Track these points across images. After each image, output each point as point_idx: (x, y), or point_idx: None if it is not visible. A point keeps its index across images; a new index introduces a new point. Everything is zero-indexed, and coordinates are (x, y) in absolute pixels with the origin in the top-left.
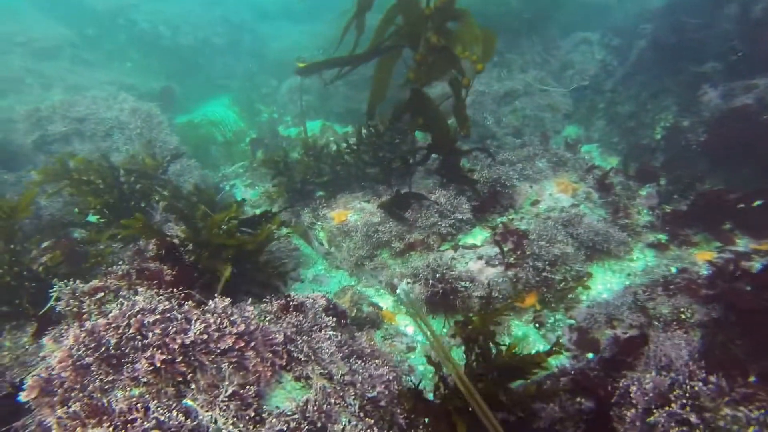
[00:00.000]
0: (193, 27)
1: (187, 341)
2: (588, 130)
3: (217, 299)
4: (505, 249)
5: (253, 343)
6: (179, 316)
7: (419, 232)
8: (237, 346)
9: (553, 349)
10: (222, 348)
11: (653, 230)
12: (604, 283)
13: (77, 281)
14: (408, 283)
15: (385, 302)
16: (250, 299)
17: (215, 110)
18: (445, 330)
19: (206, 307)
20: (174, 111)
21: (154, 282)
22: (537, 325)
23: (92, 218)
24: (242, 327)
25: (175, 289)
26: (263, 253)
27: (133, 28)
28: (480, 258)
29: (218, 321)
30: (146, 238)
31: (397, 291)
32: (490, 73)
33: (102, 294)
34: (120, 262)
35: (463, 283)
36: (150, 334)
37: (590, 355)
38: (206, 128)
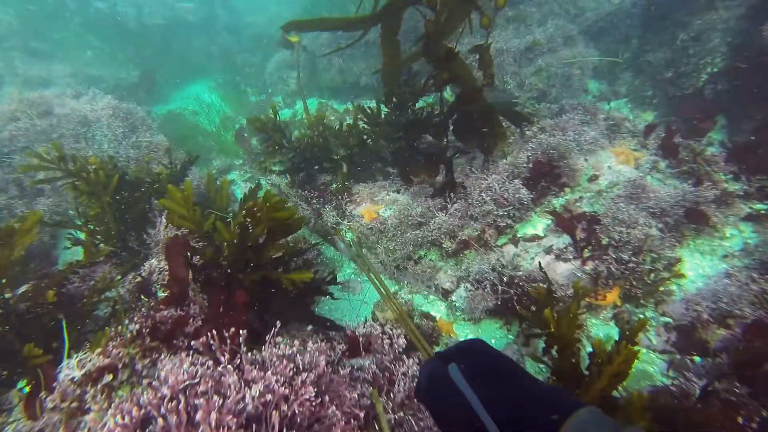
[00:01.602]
0: (159, 4)
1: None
2: (612, 84)
3: (270, 347)
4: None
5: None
6: (227, 381)
7: (472, 226)
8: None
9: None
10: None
11: (746, 198)
12: (695, 269)
13: (72, 360)
14: (469, 289)
15: (438, 310)
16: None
17: (197, 96)
18: (510, 337)
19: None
20: (151, 101)
21: (176, 337)
22: (620, 323)
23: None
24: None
25: (211, 338)
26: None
27: (87, 10)
28: (547, 252)
29: (280, 377)
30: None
31: (339, 245)
32: (505, 29)
33: (110, 377)
34: (126, 322)
35: (535, 285)
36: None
37: (697, 359)
38: (190, 118)
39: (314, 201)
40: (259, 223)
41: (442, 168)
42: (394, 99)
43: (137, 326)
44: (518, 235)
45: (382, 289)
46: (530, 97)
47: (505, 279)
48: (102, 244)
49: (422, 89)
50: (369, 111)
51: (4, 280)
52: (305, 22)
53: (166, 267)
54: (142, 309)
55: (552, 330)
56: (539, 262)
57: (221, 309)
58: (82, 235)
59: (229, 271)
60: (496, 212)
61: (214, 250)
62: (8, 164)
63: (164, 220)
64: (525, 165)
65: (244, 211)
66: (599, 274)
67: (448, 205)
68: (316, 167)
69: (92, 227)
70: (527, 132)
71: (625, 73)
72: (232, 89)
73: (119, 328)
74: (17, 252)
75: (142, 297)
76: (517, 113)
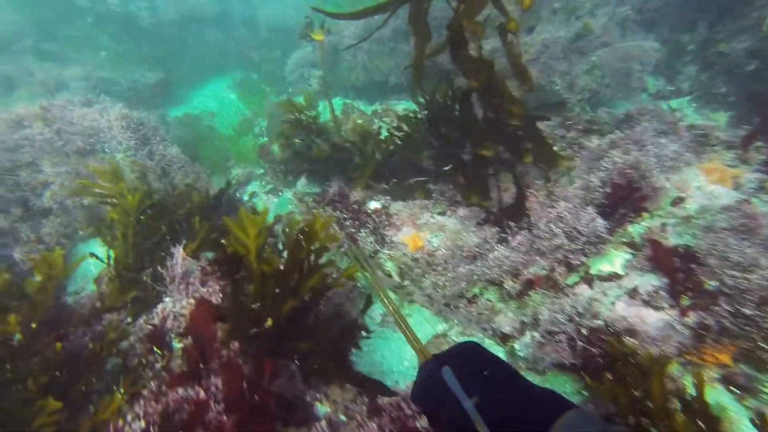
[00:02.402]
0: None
1: None
2: (672, 80)
3: None
4: (663, 279)
5: None
6: None
7: (539, 263)
8: None
9: None
10: None
11: None
12: None
13: None
14: (537, 339)
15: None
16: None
17: (213, 97)
18: (585, 393)
19: None
20: (166, 103)
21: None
22: (733, 388)
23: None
24: None
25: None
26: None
27: (99, 9)
28: (631, 295)
29: None
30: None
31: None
32: (552, 21)
33: None
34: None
35: (615, 339)
36: None
37: None
38: (207, 121)
39: (347, 222)
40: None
41: (496, 186)
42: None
43: (143, 423)
44: (592, 273)
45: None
46: (581, 99)
47: (583, 331)
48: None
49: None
50: (406, 115)
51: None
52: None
53: (182, 311)
54: (152, 386)
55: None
56: (619, 308)
57: (249, 385)
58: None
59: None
60: (567, 247)
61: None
62: (14, 182)
63: (181, 252)
64: (600, 189)
65: (295, 237)
66: (707, 329)
67: (509, 237)
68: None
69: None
70: (597, 144)
71: (688, 67)
72: (250, 88)
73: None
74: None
75: (155, 349)
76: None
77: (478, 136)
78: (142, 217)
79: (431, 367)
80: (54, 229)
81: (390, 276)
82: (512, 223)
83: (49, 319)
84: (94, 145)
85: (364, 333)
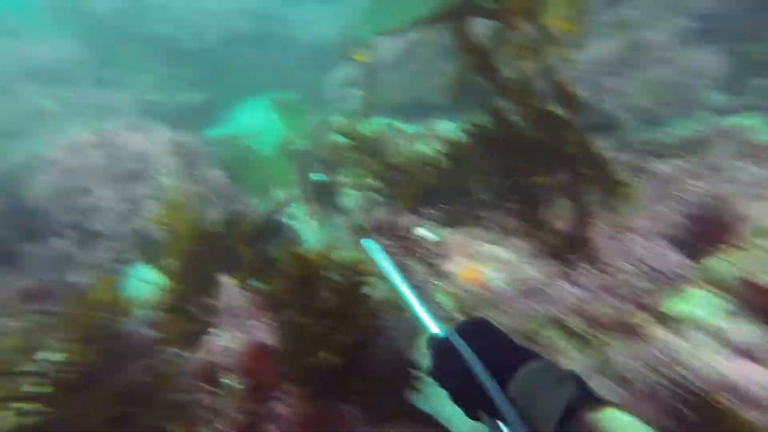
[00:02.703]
0: (215, 22)
1: None
2: (740, 94)
3: None
4: (762, 324)
5: None
6: None
7: (609, 302)
8: None
9: None
10: None
11: None
12: None
13: None
14: (608, 387)
15: None
16: None
17: (252, 117)
18: None
19: None
20: (208, 124)
21: None
22: None
23: None
24: None
25: None
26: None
27: (146, 33)
28: (725, 344)
29: None
30: None
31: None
32: (603, 34)
33: None
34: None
35: (718, 397)
36: None
37: None
38: (247, 141)
39: (394, 250)
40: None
41: (553, 215)
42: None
43: None
44: (669, 314)
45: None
46: (636, 118)
47: (665, 382)
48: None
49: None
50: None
51: None
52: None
53: (233, 346)
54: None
55: None
56: (710, 358)
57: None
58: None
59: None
60: (638, 284)
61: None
62: (70, 207)
63: (230, 282)
64: (673, 220)
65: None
66: None
67: (571, 270)
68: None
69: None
70: (662, 168)
71: (757, 80)
72: (289, 108)
73: None
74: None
75: (207, 386)
76: None
77: (531, 161)
78: (193, 247)
79: (439, 338)
80: (105, 253)
81: (444, 309)
82: (573, 256)
83: (106, 349)
84: (143, 170)
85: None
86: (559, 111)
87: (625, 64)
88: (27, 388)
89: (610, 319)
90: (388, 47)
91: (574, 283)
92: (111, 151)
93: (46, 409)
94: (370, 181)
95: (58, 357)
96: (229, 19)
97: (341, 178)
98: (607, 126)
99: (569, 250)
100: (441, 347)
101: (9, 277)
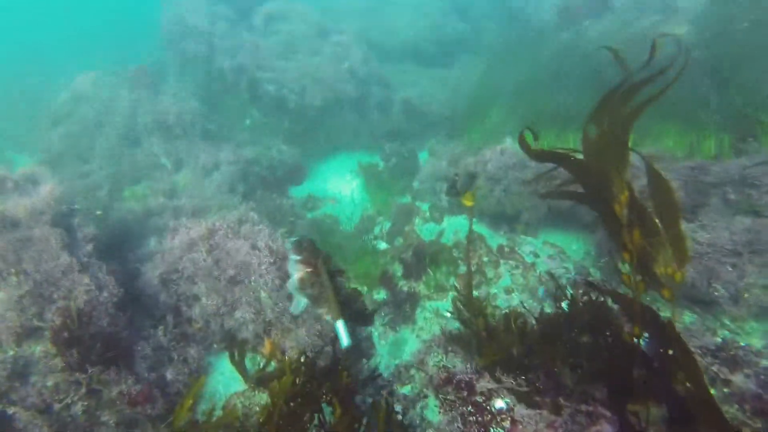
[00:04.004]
0: (321, 86)
1: None
2: None
3: None
4: None
5: None
6: None
7: None
8: None
9: None
10: None
11: None
12: None
13: None
14: None
15: None
16: None
17: (337, 178)
18: None
19: None
20: (294, 181)
21: None
22: None
23: None
24: None
25: None
26: None
27: (257, 90)
28: None
29: None
30: None
31: None
32: (723, 212)
33: None
34: None
35: None
36: None
37: None
38: (329, 209)
39: (470, 418)
40: None
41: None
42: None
43: None
44: None
45: None
46: (755, 315)
47: None
48: None
49: None
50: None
51: None
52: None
53: None
54: None
55: None
56: None
57: None
58: None
59: None
60: None
61: None
62: (181, 315)
63: None
64: None
65: None
66: None
67: None
68: None
69: None
70: None
71: None
72: (375, 177)
73: None
74: None
75: None
76: None
77: (627, 385)
78: (289, 404)
79: None
80: (197, 353)
81: None
82: None
83: None
84: (243, 277)
85: None
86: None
87: (746, 254)
88: None
89: None
90: (489, 158)
91: None
92: (219, 256)
93: None
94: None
95: None
96: (337, 83)
97: (420, 288)
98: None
99: None
100: None
101: (118, 376)
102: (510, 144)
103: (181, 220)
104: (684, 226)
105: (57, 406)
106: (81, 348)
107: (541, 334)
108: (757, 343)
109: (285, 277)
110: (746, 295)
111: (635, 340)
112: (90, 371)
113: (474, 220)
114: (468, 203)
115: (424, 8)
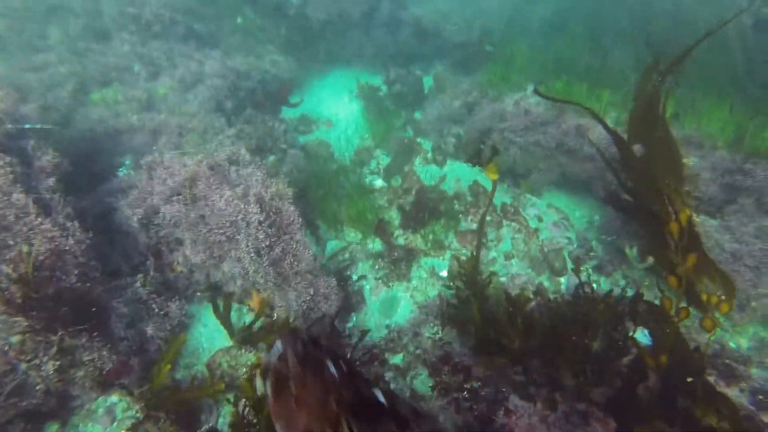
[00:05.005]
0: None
1: None
2: None
3: None
4: None
5: None
6: None
7: None
8: None
9: None
10: None
11: None
12: None
13: None
14: None
15: None
16: None
17: (334, 97)
18: None
19: None
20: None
21: None
22: None
23: None
24: None
25: None
26: None
27: None
28: None
29: None
30: None
31: None
32: None
33: None
34: None
35: None
36: None
37: None
38: (323, 133)
39: (464, 404)
40: None
41: None
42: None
43: None
44: None
45: None
46: (753, 321)
47: None
48: None
49: None
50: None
51: None
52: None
53: None
54: None
55: None
56: None
57: None
58: None
59: None
60: None
61: None
62: (162, 259)
63: None
64: None
65: None
66: None
67: None
68: None
69: None
70: None
71: None
72: (375, 102)
73: None
74: None
75: None
76: None
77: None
78: None
79: None
80: (179, 306)
81: None
82: None
83: None
84: (232, 233)
85: None
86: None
87: None
88: None
89: None
90: (511, 113)
91: None
92: (206, 213)
93: None
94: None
95: None
96: None
97: (418, 243)
98: None
99: None
100: None
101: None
102: (531, 97)
103: (159, 157)
104: (703, 219)
105: (24, 366)
106: (43, 311)
107: (548, 333)
108: (744, 343)
109: (276, 234)
110: (754, 304)
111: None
112: (60, 333)
113: (481, 179)
114: (493, 176)
115: None
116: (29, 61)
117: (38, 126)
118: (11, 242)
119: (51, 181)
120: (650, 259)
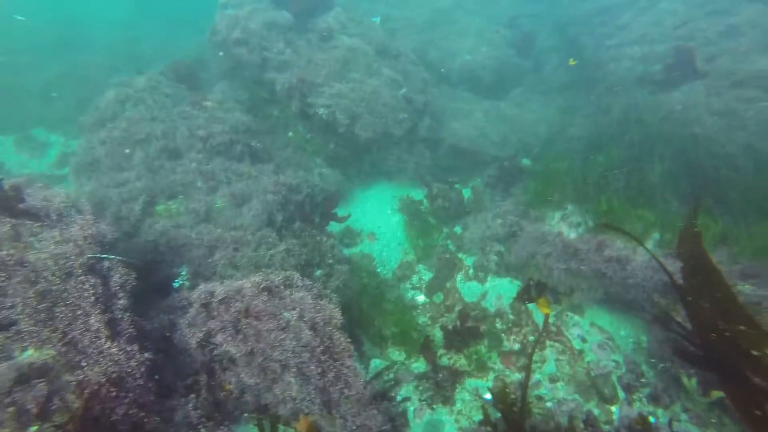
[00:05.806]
0: (374, 115)
1: None
2: None
3: None
4: None
5: None
6: None
7: None
8: None
9: None
10: None
11: None
12: None
13: None
14: None
15: None
16: None
17: (376, 210)
18: None
19: None
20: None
21: None
22: None
23: None
24: None
25: None
26: None
27: (307, 110)
28: None
29: None
30: None
31: None
32: None
33: None
34: None
35: None
36: None
37: None
38: (367, 247)
39: None
40: None
41: None
42: None
43: None
44: None
45: None
46: None
47: None
48: None
49: None
50: None
51: None
52: None
53: None
54: None
55: None
56: None
57: None
58: None
59: None
60: None
61: None
62: (214, 379)
63: None
64: None
65: None
66: None
67: None
68: None
69: None
70: None
71: None
72: (417, 216)
73: None
74: None
75: None
76: None
77: None
78: None
79: None
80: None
81: None
82: None
83: None
84: (286, 362)
85: None
86: None
87: None
88: None
89: None
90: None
91: None
92: (258, 347)
93: None
94: None
95: None
96: (390, 113)
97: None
98: None
99: None
100: None
101: None
102: (571, 216)
103: (215, 289)
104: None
105: None
106: None
107: None
108: None
109: (329, 359)
110: None
111: None
112: None
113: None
114: (545, 310)
115: (487, 34)
116: (114, 179)
117: (114, 258)
118: (84, 364)
119: (124, 300)
120: (716, 394)
